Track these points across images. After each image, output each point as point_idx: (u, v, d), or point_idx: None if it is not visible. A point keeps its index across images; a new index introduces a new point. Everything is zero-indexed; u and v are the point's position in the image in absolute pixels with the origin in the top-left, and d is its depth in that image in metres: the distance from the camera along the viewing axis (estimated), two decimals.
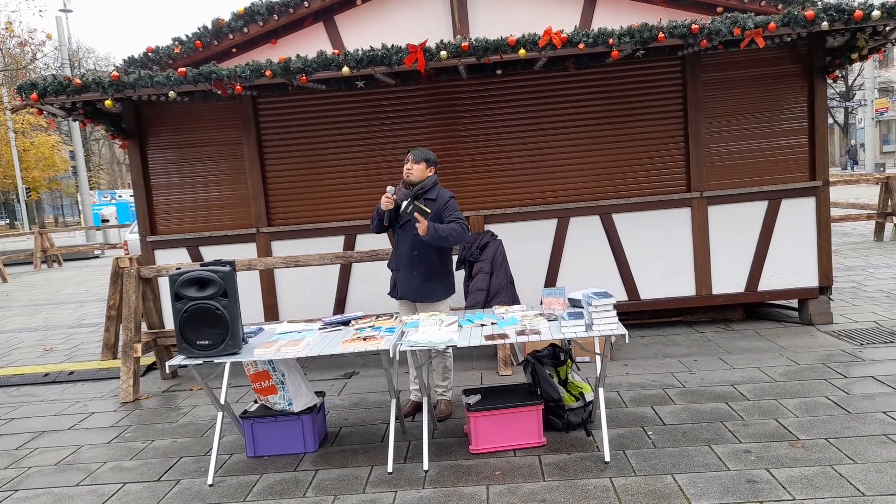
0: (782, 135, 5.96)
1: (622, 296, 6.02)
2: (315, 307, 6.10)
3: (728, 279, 6.05)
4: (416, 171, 4.17)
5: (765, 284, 6.03)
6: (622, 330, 3.46)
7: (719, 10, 5.60)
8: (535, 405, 3.80)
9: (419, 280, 4.21)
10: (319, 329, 3.96)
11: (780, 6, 5.47)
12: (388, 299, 4.53)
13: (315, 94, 5.83)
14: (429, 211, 4.04)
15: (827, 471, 3.25)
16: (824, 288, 6.01)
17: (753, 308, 6.49)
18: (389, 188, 4.19)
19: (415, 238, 4.11)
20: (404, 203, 4.07)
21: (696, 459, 3.48)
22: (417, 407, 4.45)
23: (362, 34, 5.89)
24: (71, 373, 6.12)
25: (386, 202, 4.12)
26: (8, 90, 20.74)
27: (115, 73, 5.06)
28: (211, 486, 3.59)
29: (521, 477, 3.42)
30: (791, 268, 6.00)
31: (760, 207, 5.97)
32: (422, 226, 3.94)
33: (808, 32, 4.96)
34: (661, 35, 4.82)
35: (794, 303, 6.28)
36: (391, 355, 3.46)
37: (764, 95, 5.92)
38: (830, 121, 35.09)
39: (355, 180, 6.07)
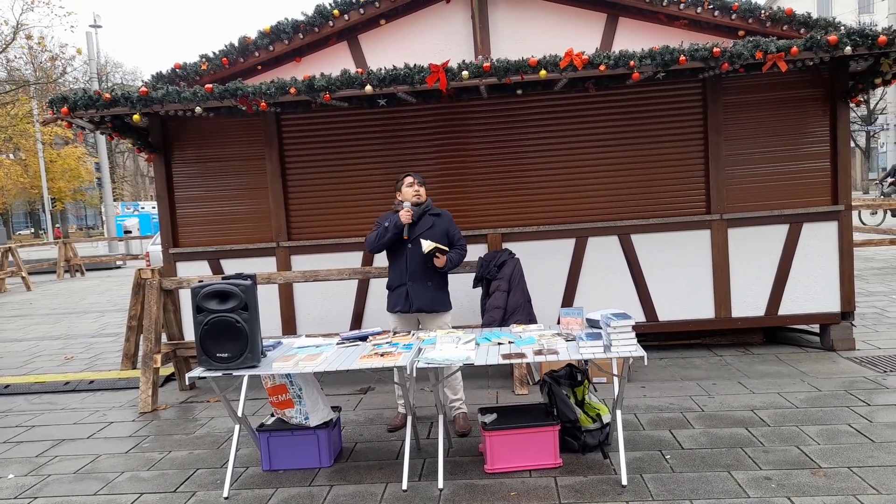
0: (804, 158, 5.92)
1: (640, 317, 5.98)
2: (332, 321, 6.14)
3: (748, 302, 5.99)
4: (423, 192, 4.54)
5: (785, 308, 5.96)
6: (641, 352, 3.44)
7: (741, 33, 5.60)
8: (552, 426, 3.78)
9: (433, 290, 4.45)
10: (337, 344, 3.98)
11: (802, 30, 5.45)
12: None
13: (337, 111, 5.91)
14: (446, 249, 4.41)
15: (850, 500, 3.19)
16: (846, 313, 5.93)
17: (773, 332, 6.40)
18: (406, 203, 4.43)
19: None
20: (425, 245, 4.30)
21: (716, 486, 3.43)
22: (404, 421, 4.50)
23: (385, 53, 5.97)
24: (91, 382, 6.20)
25: (407, 215, 4.36)
26: (38, 103, 21.25)
27: (143, 88, 5.18)
28: (226, 498, 3.60)
29: (537, 498, 3.39)
30: (812, 292, 5.93)
31: (781, 231, 5.92)
32: (441, 261, 4.37)
33: (830, 57, 4.94)
34: (682, 58, 4.83)
35: (816, 328, 6.19)
36: (408, 372, 3.47)
37: (785, 119, 5.90)
38: (852, 144, 34.69)
39: (375, 197, 6.12)
